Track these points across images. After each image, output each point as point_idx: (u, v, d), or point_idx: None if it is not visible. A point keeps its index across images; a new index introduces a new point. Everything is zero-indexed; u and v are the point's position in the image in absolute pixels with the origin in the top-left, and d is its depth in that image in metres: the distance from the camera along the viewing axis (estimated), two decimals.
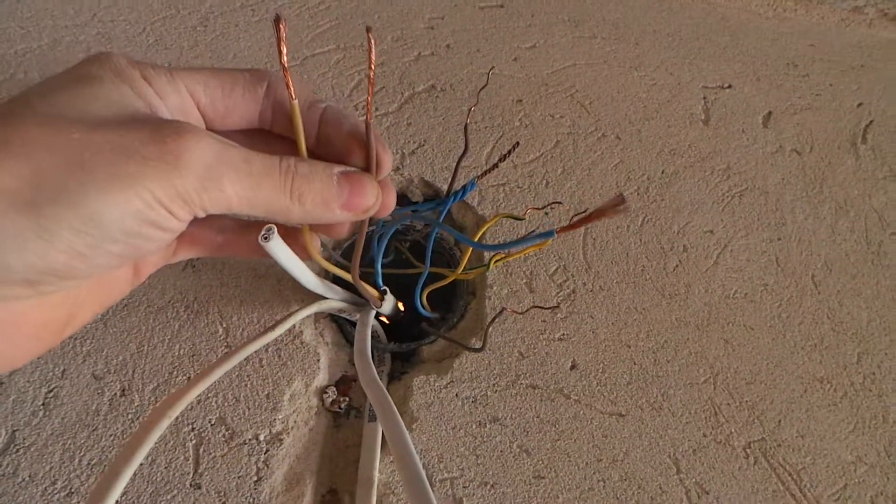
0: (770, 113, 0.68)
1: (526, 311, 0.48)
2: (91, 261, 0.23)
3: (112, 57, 0.25)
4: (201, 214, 0.24)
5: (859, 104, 0.71)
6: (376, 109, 0.60)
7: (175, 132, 0.22)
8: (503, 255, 0.44)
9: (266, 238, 0.31)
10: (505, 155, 0.40)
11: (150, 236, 0.24)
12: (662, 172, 0.60)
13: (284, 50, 0.25)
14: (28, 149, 0.21)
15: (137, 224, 0.22)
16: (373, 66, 0.26)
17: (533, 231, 0.52)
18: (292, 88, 0.26)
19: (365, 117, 0.28)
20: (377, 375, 0.36)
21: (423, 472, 0.28)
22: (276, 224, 0.31)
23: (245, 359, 0.44)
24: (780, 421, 0.47)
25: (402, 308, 0.49)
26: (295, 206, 0.26)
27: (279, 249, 0.32)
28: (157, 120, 0.24)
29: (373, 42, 0.25)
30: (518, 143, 0.40)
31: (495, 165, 0.41)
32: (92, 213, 0.21)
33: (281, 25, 0.24)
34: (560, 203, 0.55)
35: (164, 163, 0.22)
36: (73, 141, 0.21)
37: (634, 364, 0.48)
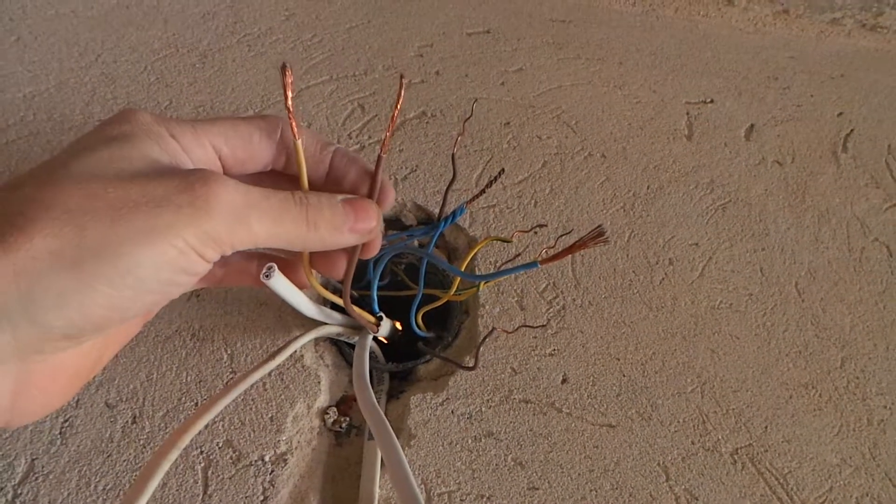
0: (752, 126, 0.70)
1: (515, 329, 0.50)
2: (127, 312, 0.24)
3: (139, 115, 0.27)
4: (229, 252, 0.26)
5: (839, 114, 0.73)
6: (369, 137, 0.62)
7: (202, 179, 0.24)
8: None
9: (267, 276, 0.33)
10: (491, 181, 0.42)
11: (181, 283, 0.26)
12: (647, 188, 0.62)
13: (290, 94, 0.27)
14: (68, 209, 0.22)
15: (171, 273, 0.24)
16: (398, 108, 0.29)
17: (519, 255, 0.54)
18: (295, 129, 0.29)
19: (379, 151, 0.31)
20: (374, 398, 0.38)
21: (420, 494, 0.30)
22: (275, 262, 0.33)
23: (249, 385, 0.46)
24: (766, 427, 0.49)
25: (399, 328, 0.51)
26: (312, 233, 0.28)
27: (280, 284, 0.34)
28: (184, 170, 0.25)
29: (403, 88, 0.29)
30: (504, 170, 0.42)
31: (482, 191, 0.43)
32: (131, 266, 0.22)
33: (287, 72, 0.27)
34: (545, 225, 0.57)
35: (196, 208, 0.23)
36: (110, 198, 0.22)
37: (623, 376, 0.50)
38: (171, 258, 0.23)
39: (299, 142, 0.29)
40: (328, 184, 0.33)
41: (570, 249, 0.33)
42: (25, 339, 0.22)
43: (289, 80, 0.27)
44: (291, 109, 0.28)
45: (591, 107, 0.69)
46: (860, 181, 0.66)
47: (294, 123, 0.29)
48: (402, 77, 0.29)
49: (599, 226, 0.33)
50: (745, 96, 0.73)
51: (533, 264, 0.36)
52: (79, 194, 0.22)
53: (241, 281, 0.35)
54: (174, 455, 0.31)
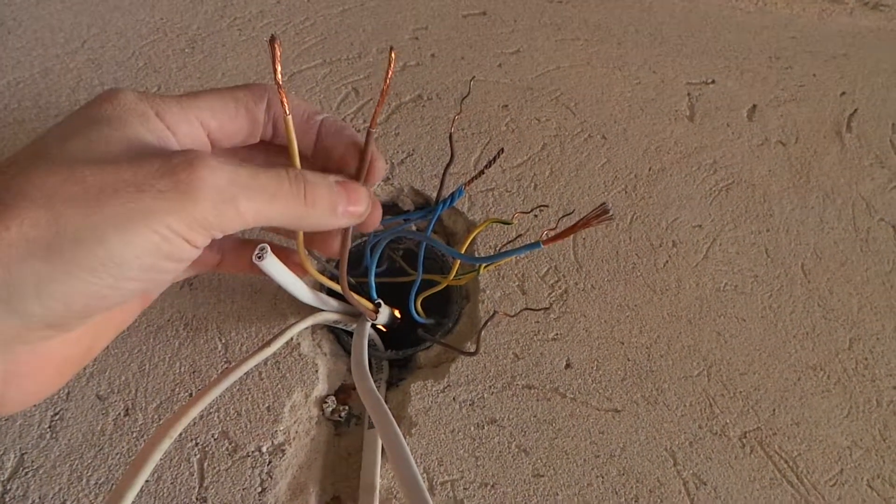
0: (755, 106, 0.69)
1: (517, 313, 0.49)
2: (110, 300, 0.24)
3: (122, 94, 0.26)
4: (219, 236, 0.25)
5: (843, 93, 0.72)
6: (364, 121, 0.61)
7: (185, 161, 0.23)
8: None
9: (260, 257, 0.32)
10: (490, 161, 0.41)
11: (167, 269, 0.25)
12: (649, 170, 0.61)
13: (279, 68, 0.27)
14: (45, 196, 0.21)
15: (155, 259, 0.23)
16: (388, 81, 0.29)
17: (519, 236, 0.53)
18: (286, 105, 0.27)
19: (368, 127, 0.30)
20: (374, 386, 0.37)
21: (422, 481, 0.29)
22: (269, 244, 0.32)
23: (245, 373, 0.45)
24: (774, 410, 0.48)
25: (398, 315, 0.49)
26: (310, 210, 0.27)
27: (273, 267, 0.33)
28: (167, 152, 0.24)
29: (393, 59, 0.28)
30: (503, 150, 0.40)
31: (481, 172, 0.42)
32: (110, 253, 0.22)
33: (276, 45, 0.26)
34: (546, 206, 0.55)
35: (179, 193, 0.22)
36: (88, 183, 0.22)
37: (628, 360, 0.49)
38: (153, 244, 0.23)
39: (289, 118, 0.28)
40: (316, 155, 0.32)
41: (573, 228, 0.32)
42: (7, 329, 0.22)
43: (278, 52, 0.26)
44: (281, 84, 0.27)
45: (591, 88, 0.67)
46: (865, 161, 0.65)
47: (284, 99, 0.27)
48: (391, 50, 0.28)
49: (603, 203, 0.32)
50: (746, 76, 0.71)
51: (536, 244, 0.34)
52: (56, 179, 0.22)
53: (237, 268, 0.34)
54: (166, 444, 0.29)
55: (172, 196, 0.22)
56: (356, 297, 0.41)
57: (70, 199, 0.21)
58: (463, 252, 0.44)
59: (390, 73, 0.29)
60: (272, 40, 0.26)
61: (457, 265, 0.45)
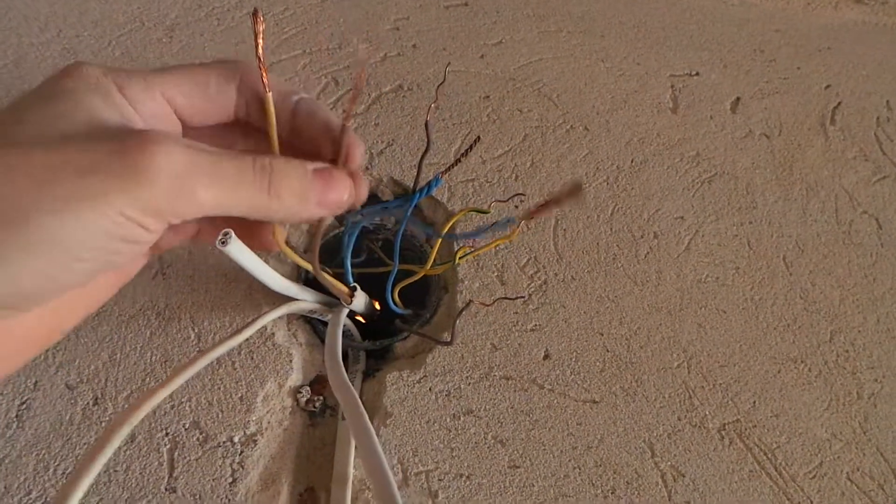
0: (738, 98, 0.68)
1: (493, 302, 0.49)
2: (60, 280, 0.23)
3: (84, 68, 0.25)
4: (176, 221, 0.24)
5: (827, 86, 0.72)
6: (344, 111, 0.60)
7: (139, 143, 0.22)
8: (469, 250, 0.44)
9: (224, 242, 0.31)
10: (467, 149, 0.40)
11: (122, 250, 0.24)
12: (632, 161, 0.60)
13: (261, 42, 0.26)
14: None
15: (107, 241, 0.22)
16: (362, 76, 0.28)
17: (496, 223, 0.53)
18: (266, 81, 0.26)
19: (342, 120, 0.29)
20: (346, 377, 0.36)
21: (391, 476, 0.29)
22: (240, 225, 0.31)
23: (217, 362, 0.44)
24: (754, 402, 0.47)
25: (377, 307, 0.49)
26: (274, 202, 0.26)
27: (239, 252, 0.32)
28: (123, 132, 0.23)
29: (365, 56, 0.27)
30: (479, 138, 0.40)
31: (458, 160, 0.41)
32: (50, 234, 0.21)
33: (258, 19, 0.25)
34: (524, 195, 0.55)
35: (126, 177, 0.22)
36: (34, 163, 0.21)
37: (607, 351, 0.48)
38: (102, 227, 0.22)
39: (269, 96, 0.27)
40: (293, 137, 0.31)
41: (547, 205, 0.32)
42: None
43: (260, 27, 0.25)
44: (263, 59, 0.26)
45: (574, 80, 0.67)
46: (848, 154, 0.65)
47: (265, 75, 0.26)
48: (357, 42, 0.28)
49: (575, 180, 0.31)
50: (730, 69, 0.71)
51: (510, 219, 0.35)
52: (3, 160, 0.21)
53: (215, 240, 0.33)
54: (126, 431, 0.29)
55: (122, 179, 0.21)
56: (330, 278, 0.40)
57: (13, 178, 0.21)
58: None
59: (363, 71, 0.28)
60: (255, 14, 0.25)
61: (433, 254, 0.44)
